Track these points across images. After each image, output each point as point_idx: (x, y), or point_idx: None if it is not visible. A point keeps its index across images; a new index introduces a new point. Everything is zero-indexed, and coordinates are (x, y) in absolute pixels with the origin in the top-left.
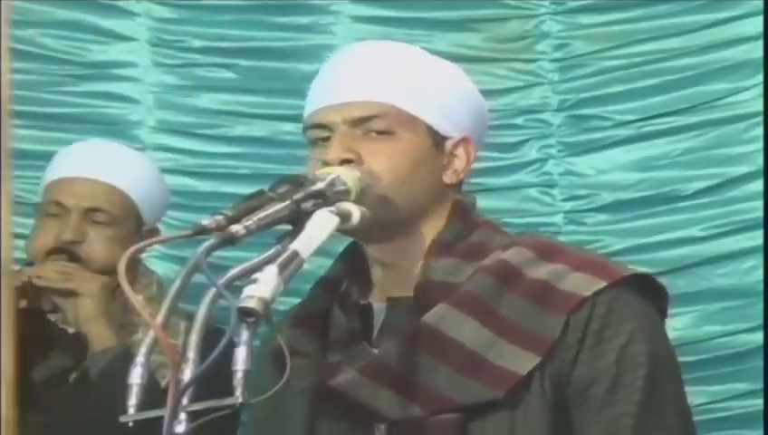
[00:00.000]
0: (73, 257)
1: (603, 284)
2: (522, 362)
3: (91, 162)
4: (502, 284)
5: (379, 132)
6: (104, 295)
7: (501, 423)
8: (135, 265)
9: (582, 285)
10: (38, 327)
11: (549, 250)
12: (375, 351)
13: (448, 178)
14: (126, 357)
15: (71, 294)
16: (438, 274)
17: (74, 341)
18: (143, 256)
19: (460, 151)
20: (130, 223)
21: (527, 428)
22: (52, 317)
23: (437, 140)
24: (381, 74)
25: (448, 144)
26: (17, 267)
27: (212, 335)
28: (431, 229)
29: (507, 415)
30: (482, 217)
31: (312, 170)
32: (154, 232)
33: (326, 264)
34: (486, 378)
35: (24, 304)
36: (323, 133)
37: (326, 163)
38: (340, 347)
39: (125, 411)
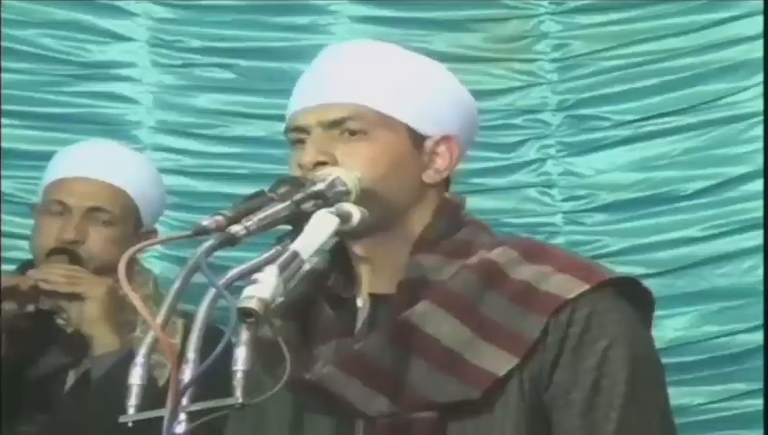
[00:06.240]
0: (74, 257)
1: (586, 287)
2: (500, 362)
3: (92, 162)
4: (485, 283)
5: (354, 133)
6: (110, 299)
7: (480, 423)
8: (131, 263)
9: (565, 287)
10: (43, 328)
11: (534, 252)
12: (356, 346)
13: (429, 177)
14: (130, 361)
15: (76, 297)
16: (421, 271)
17: (72, 340)
18: (142, 255)
19: (442, 150)
20: (130, 223)
21: (506, 429)
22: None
23: (416, 139)
24: (356, 75)
25: (428, 143)
26: (12, 267)
27: (212, 335)
28: (415, 228)
29: (486, 415)
30: (470, 217)
31: (290, 172)
32: (152, 234)
33: None
34: (463, 377)
35: (31, 308)
36: (301, 136)
37: (300, 166)
38: (322, 340)
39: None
